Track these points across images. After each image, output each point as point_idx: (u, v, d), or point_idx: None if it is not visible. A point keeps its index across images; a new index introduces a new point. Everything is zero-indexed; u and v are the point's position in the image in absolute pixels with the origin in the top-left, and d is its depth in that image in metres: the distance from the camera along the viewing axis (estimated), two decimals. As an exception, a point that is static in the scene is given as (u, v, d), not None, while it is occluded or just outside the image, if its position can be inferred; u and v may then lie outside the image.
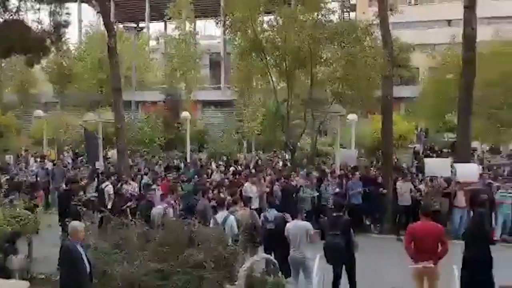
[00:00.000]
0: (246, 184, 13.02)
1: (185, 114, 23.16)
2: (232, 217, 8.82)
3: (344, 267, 8.14)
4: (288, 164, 19.09)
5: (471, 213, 12.32)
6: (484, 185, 13.70)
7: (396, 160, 18.92)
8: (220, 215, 8.93)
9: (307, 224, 8.36)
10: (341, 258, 8.01)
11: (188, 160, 20.71)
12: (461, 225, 12.83)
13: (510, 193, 12.91)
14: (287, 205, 11.02)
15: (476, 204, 12.50)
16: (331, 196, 13.54)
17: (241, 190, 12.56)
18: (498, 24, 34.47)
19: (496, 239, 9.66)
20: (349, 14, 42.26)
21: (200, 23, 39.08)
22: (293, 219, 8.46)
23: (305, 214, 9.39)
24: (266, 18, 17.42)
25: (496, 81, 24.44)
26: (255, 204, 12.10)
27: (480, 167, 16.44)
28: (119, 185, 13.02)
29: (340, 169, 15.99)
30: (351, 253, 8.14)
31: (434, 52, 33.49)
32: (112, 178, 13.83)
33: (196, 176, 15.10)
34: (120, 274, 6.36)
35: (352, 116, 20.25)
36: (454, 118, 27.08)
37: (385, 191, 14.00)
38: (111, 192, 12.56)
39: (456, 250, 7.72)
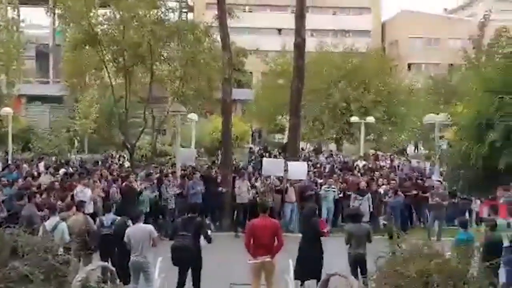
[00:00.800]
0: (79, 187, 12.11)
1: (6, 109, 20.73)
2: (63, 224, 8.26)
3: (190, 270, 8.02)
4: (126, 164, 18.34)
5: (300, 207, 13.43)
6: (310, 182, 15.02)
7: (234, 159, 19.60)
8: (50, 221, 8.24)
9: (150, 227, 8.13)
10: (190, 260, 7.90)
11: (10, 161, 18.53)
12: (291, 219, 13.92)
13: (333, 188, 14.36)
14: (127, 208, 10.51)
15: (304, 199, 13.78)
16: (172, 197, 13.47)
17: (72, 194, 11.65)
18: (320, 36, 38.24)
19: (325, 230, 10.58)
20: (186, 15, 42.60)
21: (26, 10, 35.15)
22: (133, 223, 8.10)
23: (144, 216, 9.09)
24: (102, 11, 16.44)
25: (319, 88, 27.16)
26: (89, 209, 11.34)
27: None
28: None
29: (182, 169, 15.95)
30: (200, 256, 8.07)
31: (266, 58, 35.78)
32: None
33: (19, 179, 13.54)
34: None
35: (192, 116, 20.30)
36: (284, 121, 29.35)
37: (224, 190, 14.36)
38: None
39: (287, 242, 8.22)
